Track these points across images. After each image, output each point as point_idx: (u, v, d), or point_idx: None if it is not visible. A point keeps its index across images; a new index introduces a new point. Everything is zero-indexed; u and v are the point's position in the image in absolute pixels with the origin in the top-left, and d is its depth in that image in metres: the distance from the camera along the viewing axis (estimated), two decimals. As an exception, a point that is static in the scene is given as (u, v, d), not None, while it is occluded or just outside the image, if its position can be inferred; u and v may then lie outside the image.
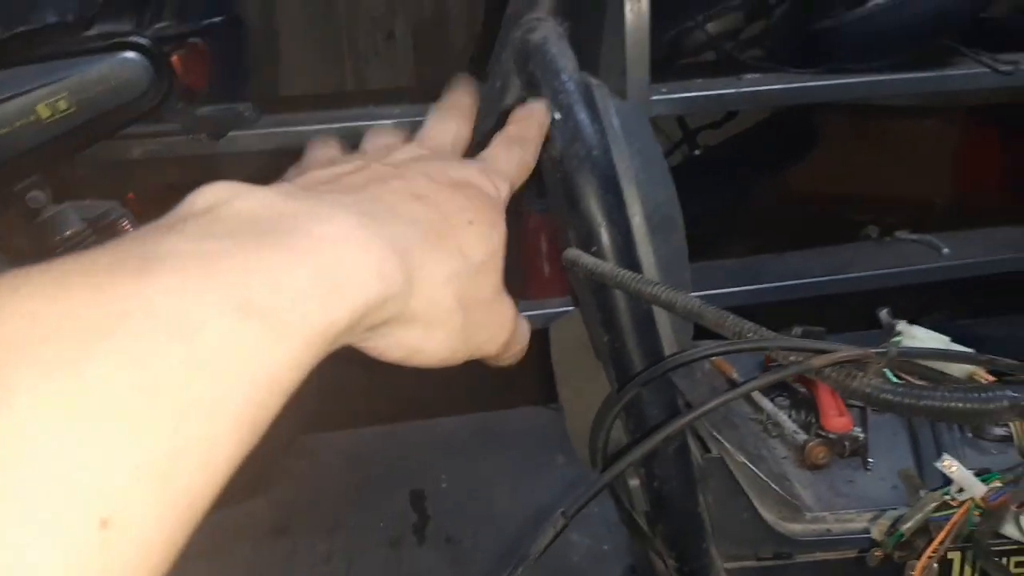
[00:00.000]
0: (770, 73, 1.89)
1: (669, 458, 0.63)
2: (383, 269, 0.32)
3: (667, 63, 2.01)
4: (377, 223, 0.32)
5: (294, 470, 1.84)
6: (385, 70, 2.66)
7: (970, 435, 0.77)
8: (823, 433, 0.76)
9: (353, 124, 1.73)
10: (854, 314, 1.02)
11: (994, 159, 2.37)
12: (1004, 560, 0.64)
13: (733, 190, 2.27)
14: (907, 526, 0.52)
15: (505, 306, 0.41)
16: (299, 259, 0.29)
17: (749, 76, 1.89)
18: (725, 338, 0.52)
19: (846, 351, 0.46)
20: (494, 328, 0.40)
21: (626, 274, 0.59)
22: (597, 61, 1.89)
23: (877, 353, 0.46)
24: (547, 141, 0.66)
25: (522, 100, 0.69)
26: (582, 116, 0.63)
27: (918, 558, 0.50)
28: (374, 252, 0.32)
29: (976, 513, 0.48)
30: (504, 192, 0.43)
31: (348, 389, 2.18)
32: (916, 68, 1.81)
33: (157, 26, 1.44)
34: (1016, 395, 0.44)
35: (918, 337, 0.63)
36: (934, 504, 0.51)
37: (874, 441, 0.78)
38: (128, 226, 1.39)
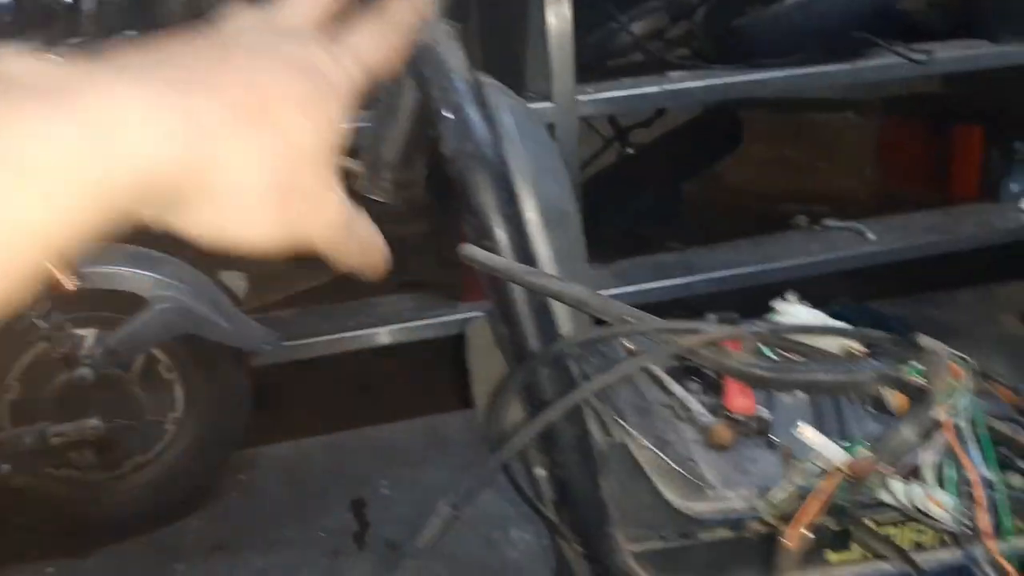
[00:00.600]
0: (694, 71, 1.93)
1: (569, 445, 0.64)
2: (171, 135, 0.30)
3: (594, 65, 2.04)
4: (177, 92, 0.31)
5: (231, 485, 1.81)
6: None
7: (872, 409, 0.80)
8: (728, 414, 0.78)
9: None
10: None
11: (914, 147, 2.45)
12: (898, 530, 0.67)
13: (666, 187, 2.30)
14: (778, 497, 0.54)
15: (334, 203, 0.38)
16: (68, 117, 0.29)
17: (674, 74, 1.93)
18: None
19: (717, 331, 0.47)
20: (319, 222, 0.38)
21: (517, 267, 0.60)
22: (522, 65, 1.92)
23: (748, 332, 0.47)
24: (439, 139, 0.67)
25: (417, 101, 0.70)
26: (472, 114, 0.64)
27: (797, 528, 0.52)
28: (162, 118, 0.30)
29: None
30: (357, 80, 0.39)
31: (286, 400, 2.16)
32: (832, 61, 1.87)
33: (71, 41, 1.42)
34: (881, 366, 0.46)
35: (795, 315, 0.65)
36: (800, 474, 0.52)
37: (779, 420, 0.79)
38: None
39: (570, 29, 1.72)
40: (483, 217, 0.62)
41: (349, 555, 1.57)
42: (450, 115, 0.62)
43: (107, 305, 1.53)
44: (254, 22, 0.39)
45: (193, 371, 1.64)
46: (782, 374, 0.46)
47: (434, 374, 2.05)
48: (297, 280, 2.00)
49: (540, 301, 0.62)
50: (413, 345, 1.91)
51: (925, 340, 0.45)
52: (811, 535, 0.49)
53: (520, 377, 0.58)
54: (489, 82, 0.69)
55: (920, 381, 0.46)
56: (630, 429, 0.69)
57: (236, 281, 1.79)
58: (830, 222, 2.20)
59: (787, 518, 0.52)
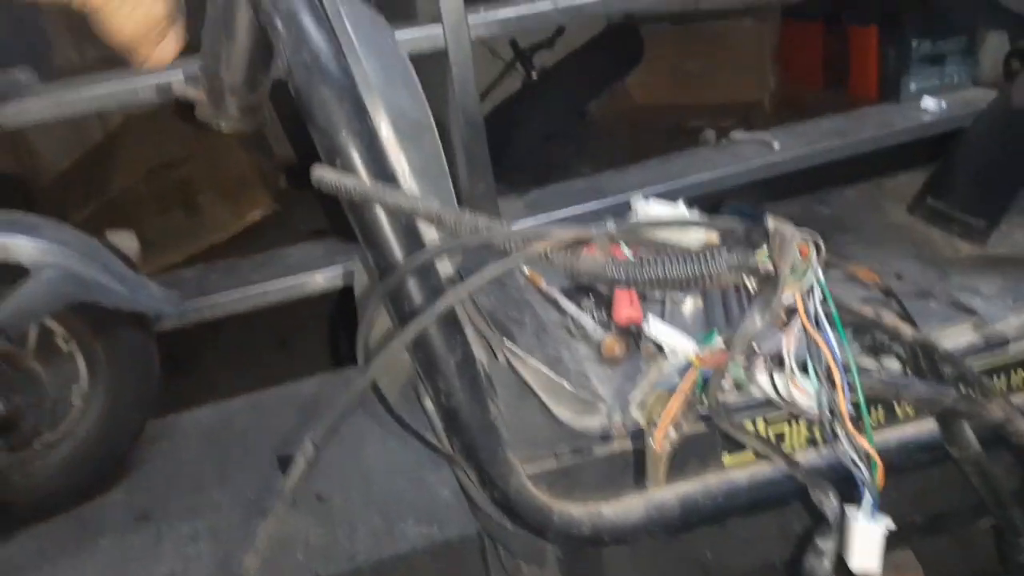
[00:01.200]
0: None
1: (452, 369, 0.61)
2: None
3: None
4: None
5: (152, 454, 1.75)
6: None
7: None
8: (618, 327, 0.77)
9: (159, 79, 1.62)
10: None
11: (812, 50, 2.45)
12: (790, 428, 0.66)
13: (573, 109, 2.27)
14: (636, 395, 0.52)
15: None
16: None
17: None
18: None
19: (569, 233, 0.44)
20: None
21: (368, 186, 0.56)
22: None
23: (597, 231, 0.45)
24: (276, 55, 0.62)
25: (253, 15, 0.64)
26: (306, 21, 0.59)
27: (667, 428, 0.51)
28: None
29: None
30: None
31: (203, 363, 2.10)
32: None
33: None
34: (733, 255, 0.44)
35: (651, 212, 0.63)
36: (657, 373, 0.51)
37: (670, 320, 0.78)
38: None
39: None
40: (331, 134, 0.58)
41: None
42: (282, 25, 0.57)
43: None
44: None
45: (93, 341, 1.56)
46: (635, 272, 0.44)
47: (350, 324, 2.01)
48: (193, 238, 1.93)
49: (402, 220, 0.58)
50: (327, 297, 1.86)
51: (772, 221, 0.43)
52: (675, 435, 0.48)
53: (385, 289, 0.55)
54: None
55: (769, 265, 0.44)
56: (516, 349, 0.67)
57: (126, 241, 1.70)
58: (737, 134, 2.20)
59: (653, 414, 0.50)
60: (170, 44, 0.40)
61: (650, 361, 0.55)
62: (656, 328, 0.46)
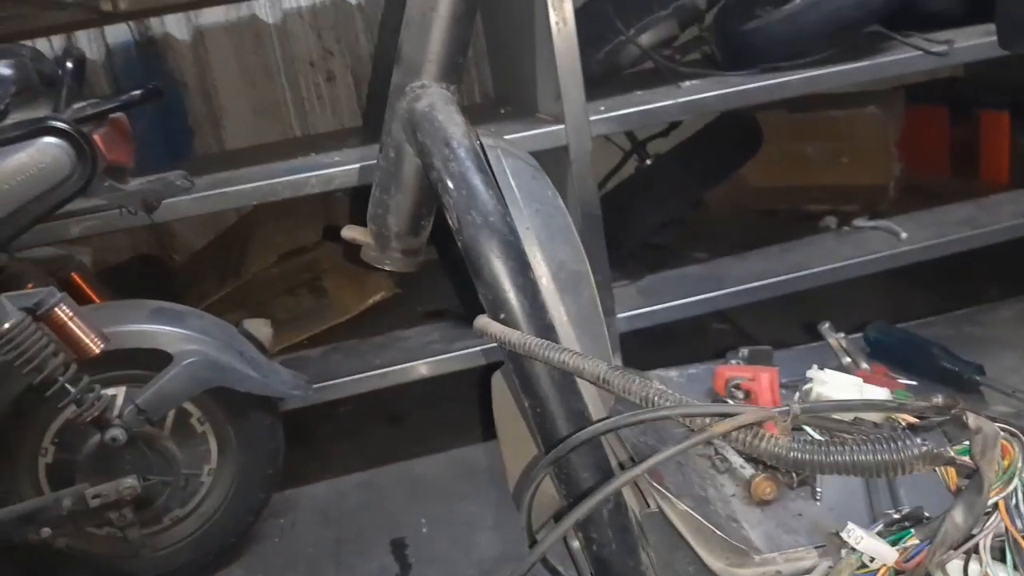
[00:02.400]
0: (707, 79, 1.90)
1: (604, 520, 0.61)
2: None
3: (605, 80, 2.02)
4: None
5: (271, 530, 1.80)
6: (330, 113, 2.65)
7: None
8: (769, 467, 0.75)
9: (293, 177, 1.71)
10: (824, 305, 1.01)
11: (939, 136, 2.38)
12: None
13: (687, 196, 2.26)
14: None
15: None
16: None
17: (687, 85, 1.89)
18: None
19: (748, 414, 0.44)
20: None
21: (532, 341, 0.57)
22: (533, 88, 1.89)
23: (780, 412, 0.44)
24: (446, 211, 0.65)
25: (420, 170, 0.68)
26: (476, 182, 0.62)
27: (849, 618, 0.49)
28: None
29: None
30: None
31: (320, 439, 2.16)
32: (848, 59, 1.82)
33: (75, 106, 1.42)
34: (926, 443, 0.43)
35: (829, 383, 0.62)
36: (849, 570, 0.49)
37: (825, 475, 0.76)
38: (67, 311, 1.36)
39: (576, 47, 1.69)
40: (496, 288, 0.60)
41: (392, 599, 1.55)
42: (453, 186, 0.60)
43: (134, 363, 1.53)
44: None
45: (224, 422, 1.64)
46: (821, 457, 0.43)
47: (460, 404, 2.03)
48: (319, 319, 2.00)
49: (563, 375, 0.59)
50: (440, 377, 1.90)
51: (974, 419, 0.42)
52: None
53: (550, 463, 0.56)
54: (491, 143, 0.67)
55: (969, 462, 0.42)
56: (668, 494, 0.66)
57: (262, 328, 1.79)
58: (860, 222, 2.14)
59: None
60: None
61: (835, 548, 0.53)
62: (858, 538, 0.45)
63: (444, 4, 0.68)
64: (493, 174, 0.62)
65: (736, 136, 2.19)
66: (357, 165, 1.71)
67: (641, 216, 2.15)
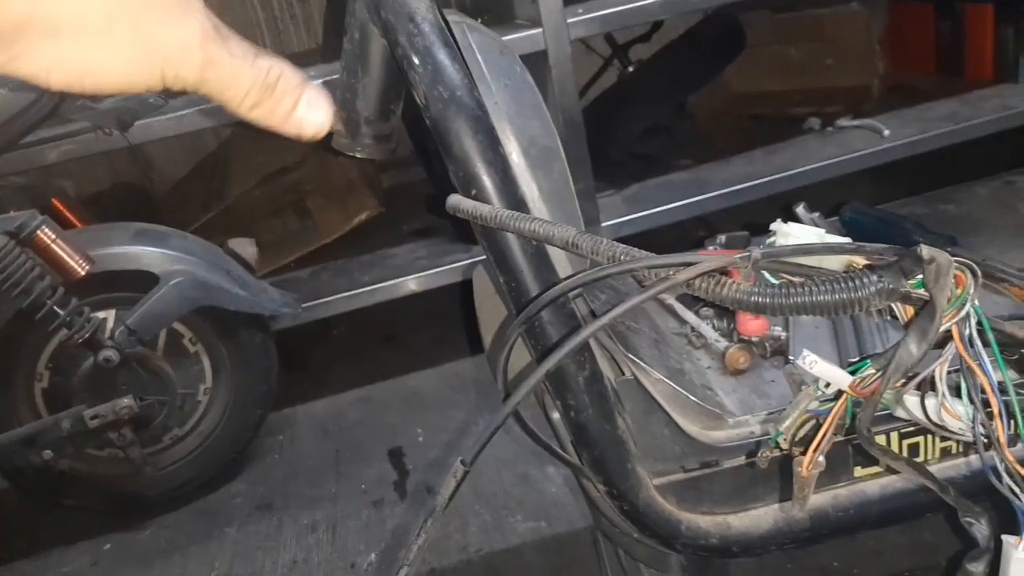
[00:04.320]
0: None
1: (581, 387, 0.63)
2: None
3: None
4: None
5: (271, 446, 1.85)
6: (304, 32, 2.59)
7: (888, 316, 0.78)
8: (742, 337, 0.77)
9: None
10: (804, 199, 1.02)
11: (923, 32, 2.35)
12: (922, 439, 0.65)
13: (671, 102, 2.24)
14: (785, 425, 0.53)
15: (191, 20, 0.34)
16: None
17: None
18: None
19: (710, 262, 0.45)
20: (177, 40, 0.34)
21: (503, 213, 0.58)
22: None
23: (740, 258, 0.45)
24: (412, 88, 0.64)
25: (386, 49, 0.67)
26: (441, 57, 0.61)
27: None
28: None
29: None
30: None
31: (316, 358, 2.19)
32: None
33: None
34: (881, 280, 0.44)
35: (792, 234, 0.63)
36: (808, 400, 0.51)
37: (796, 337, 0.78)
38: (49, 233, 1.36)
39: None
40: (466, 164, 0.60)
41: (392, 504, 1.60)
42: (417, 60, 0.59)
43: (121, 285, 1.54)
44: None
45: (216, 341, 1.66)
46: (782, 299, 0.45)
47: (452, 318, 2.06)
48: (305, 240, 2.00)
49: (534, 245, 0.60)
50: (430, 292, 1.91)
51: (927, 250, 0.43)
52: (823, 461, 0.48)
53: (522, 322, 0.57)
54: (456, 19, 0.66)
55: (923, 293, 0.44)
56: (642, 363, 0.68)
57: (247, 248, 1.79)
58: (843, 121, 2.13)
59: (801, 443, 0.51)
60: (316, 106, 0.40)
61: (796, 385, 0.55)
62: (813, 363, 0.46)
63: None
64: (459, 50, 0.61)
65: (718, 38, 2.15)
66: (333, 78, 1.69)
67: (624, 124, 2.13)
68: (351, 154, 0.70)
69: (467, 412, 1.81)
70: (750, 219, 1.99)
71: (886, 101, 2.25)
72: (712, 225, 2.28)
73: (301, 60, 2.02)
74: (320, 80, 1.66)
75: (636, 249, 0.50)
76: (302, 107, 0.41)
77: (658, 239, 1.95)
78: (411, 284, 1.89)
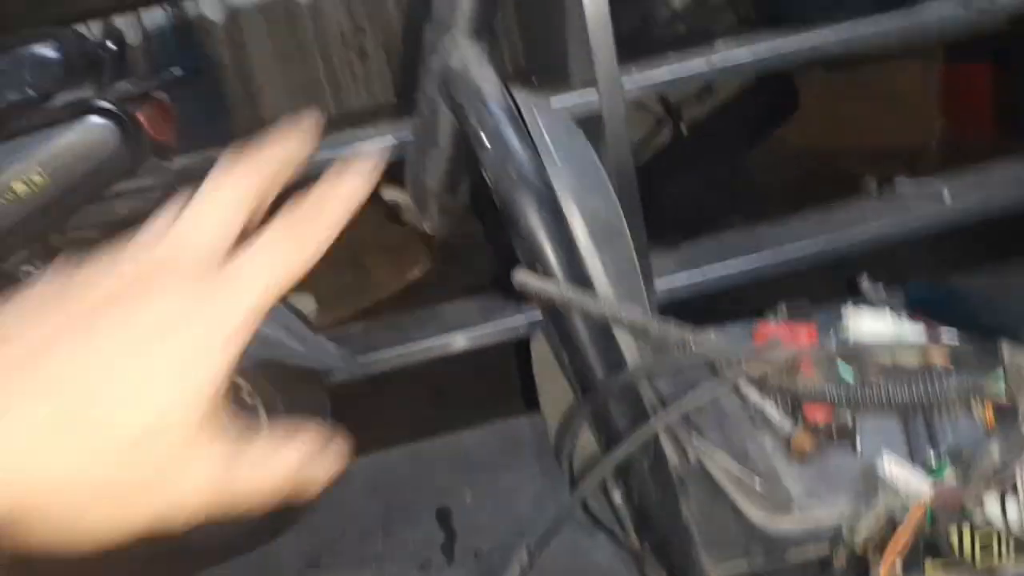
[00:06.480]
0: (741, 39, 1.86)
1: (645, 473, 0.62)
2: None
3: (636, 42, 1.99)
4: None
5: (320, 502, 1.84)
6: (363, 90, 2.66)
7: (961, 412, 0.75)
8: (808, 421, 0.74)
9: (331, 153, 1.73)
10: (865, 267, 1.00)
11: (981, 91, 2.32)
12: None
13: (725, 161, 2.24)
14: (862, 531, 0.51)
15: (202, 464, 0.34)
16: None
17: (720, 45, 1.86)
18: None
19: (783, 352, 0.44)
20: (181, 493, 0.34)
21: (571, 292, 0.58)
22: (564, 53, 1.88)
23: (815, 351, 0.44)
24: (482, 167, 0.65)
25: (455, 127, 0.69)
26: (510, 137, 0.62)
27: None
28: None
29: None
30: (238, 318, 0.35)
31: (366, 412, 2.19)
32: (888, 14, 1.77)
33: (119, 85, 1.45)
34: (960, 381, 0.43)
35: (864, 320, 0.61)
36: (886, 507, 0.49)
37: (864, 422, 0.75)
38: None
39: (607, 11, 1.68)
40: (532, 241, 0.61)
41: (439, 568, 1.58)
42: (488, 142, 0.60)
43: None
44: (131, 258, 0.34)
45: (273, 395, 1.68)
46: (857, 398, 0.43)
47: (503, 376, 2.05)
48: (360, 295, 2.03)
49: (599, 324, 0.60)
50: (482, 349, 1.91)
51: (1008, 351, 0.42)
52: (899, 568, 0.47)
53: (588, 409, 0.57)
54: (525, 98, 0.67)
55: (1004, 396, 0.42)
56: (708, 446, 0.66)
57: (306, 303, 1.82)
58: (902, 182, 2.09)
59: (875, 544, 0.49)
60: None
61: (871, 484, 0.53)
62: (894, 468, 0.45)
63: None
64: (527, 128, 0.62)
65: (773, 98, 2.15)
66: (392, 141, 1.73)
67: (679, 183, 2.13)
68: (420, 227, 0.71)
69: (517, 473, 1.79)
70: (808, 281, 1.97)
71: (944, 161, 2.22)
72: (767, 287, 2.25)
73: (361, 119, 2.08)
74: (384, 140, 1.68)
75: (706, 333, 0.50)
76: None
77: (712, 300, 1.93)
78: (462, 341, 1.89)
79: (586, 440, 0.67)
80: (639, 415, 0.58)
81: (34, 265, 1.51)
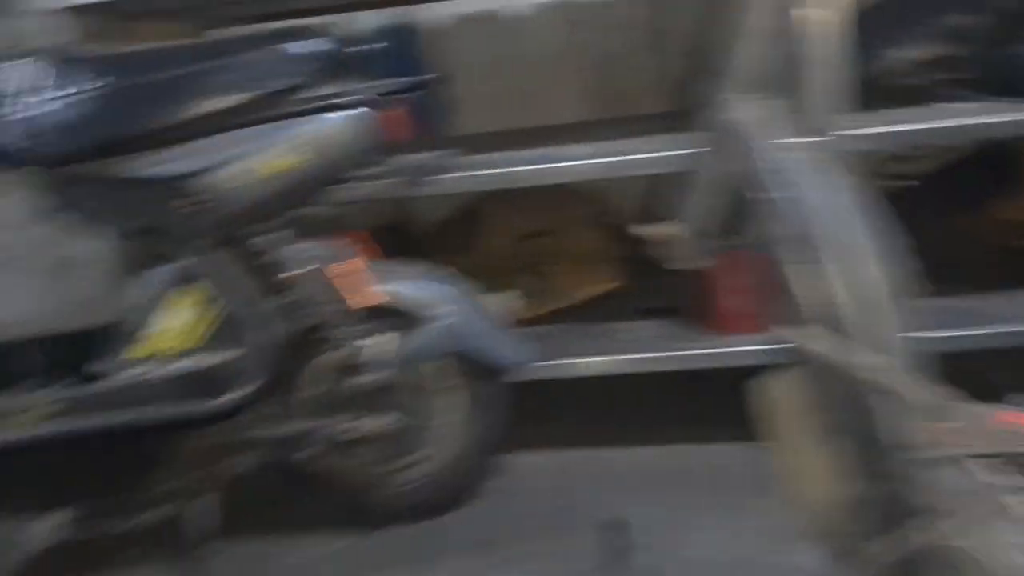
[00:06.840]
0: (971, 104, 1.81)
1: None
2: None
3: (867, 94, 1.96)
4: None
5: (483, 492, 1.90)
6: (575, 103, 2.74)
7: None
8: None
9: (542, 166, 1.83)
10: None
11: None
12: None
13: (927, 227, 2.17)
14: None
15: None
16: None
17: (950, 107, 1.81)
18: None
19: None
20: None
21: (859, 359, 0.61)
22: (799, 97, 1.87)
23: None
24: (759, 224, 0.71)
25: (732, 176, 0.74)
26: (787, 201, 0.67)
27: None
28: None
29: None
30: None
31: (552, 411, 2.23)
32: None
33: (365, 86, 1.59)
34: None
35: None
36: None
37: None
38: (352, 265, 1.57)
39: (848, 58, 1.66)
40: (806, 299, 0.65)
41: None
42: (763, 193, 0.66)
43: (388, 319, 1.70)
44: None
45: (462, 382, 1.79)
46: None
47: (700, 399, 2.06)
48: (539, 302, 2.09)
49: (886, 397, 0.62)
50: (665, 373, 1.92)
51: None
52: None
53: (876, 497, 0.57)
54: (797, 155, 0.72)
55: None
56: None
57: (506, 302, 1.92)
58: None
59: None
60: None
61: None
62: None
63: (777, 22, 0.73)
64: (799, 183, 0.67)
65: (986, 169, 2.07)
66: (598, 160, 1.81)
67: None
68: (674, 262, 0.78)
69: (694, 500, 1.77)
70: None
71: None
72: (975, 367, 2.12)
73: (568, 133, 2.13)
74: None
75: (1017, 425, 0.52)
76: None
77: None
78: (637, 361, 1.92)
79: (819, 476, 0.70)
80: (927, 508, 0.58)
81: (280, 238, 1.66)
